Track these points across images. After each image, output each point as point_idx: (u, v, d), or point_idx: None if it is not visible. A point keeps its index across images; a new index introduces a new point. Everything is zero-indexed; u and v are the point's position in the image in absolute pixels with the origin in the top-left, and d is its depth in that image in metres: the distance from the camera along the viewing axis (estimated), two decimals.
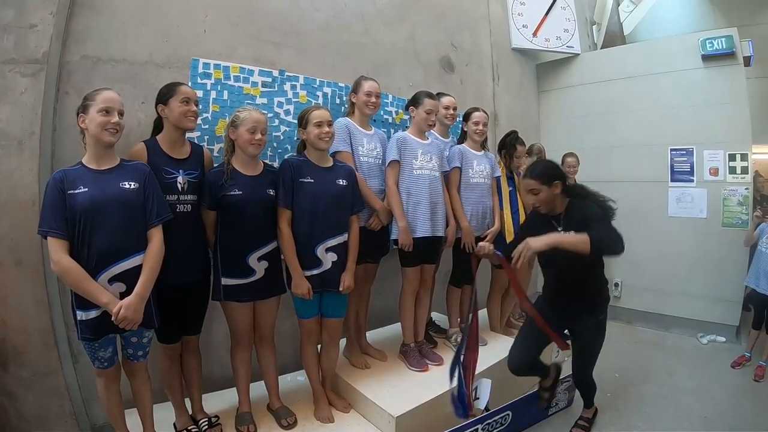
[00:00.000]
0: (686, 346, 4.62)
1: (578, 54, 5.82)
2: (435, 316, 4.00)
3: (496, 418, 3.01)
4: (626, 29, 7.19)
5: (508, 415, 3.09)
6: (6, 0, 2.38)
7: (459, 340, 3.44)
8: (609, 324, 4.96)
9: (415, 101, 3.18)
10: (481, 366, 3.11)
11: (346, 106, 3.23)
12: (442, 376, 2.98)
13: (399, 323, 3.35)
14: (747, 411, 3.37)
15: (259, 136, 2.42)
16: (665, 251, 5.07)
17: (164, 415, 2.51)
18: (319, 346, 2.85)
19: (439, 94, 3.47)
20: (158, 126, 2.44)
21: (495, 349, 3.49)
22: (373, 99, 3.08)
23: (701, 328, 4.82)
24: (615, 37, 6.61)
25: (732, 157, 4.73)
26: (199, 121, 2.55)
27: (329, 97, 3.53)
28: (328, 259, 2.60)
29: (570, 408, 3.54)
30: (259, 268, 2.48)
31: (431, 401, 2.78)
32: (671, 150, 5.07)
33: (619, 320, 5.33)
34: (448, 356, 3.29)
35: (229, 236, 2.46)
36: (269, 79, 3.23)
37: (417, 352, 3.25)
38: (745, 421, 3.22)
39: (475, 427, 2.83)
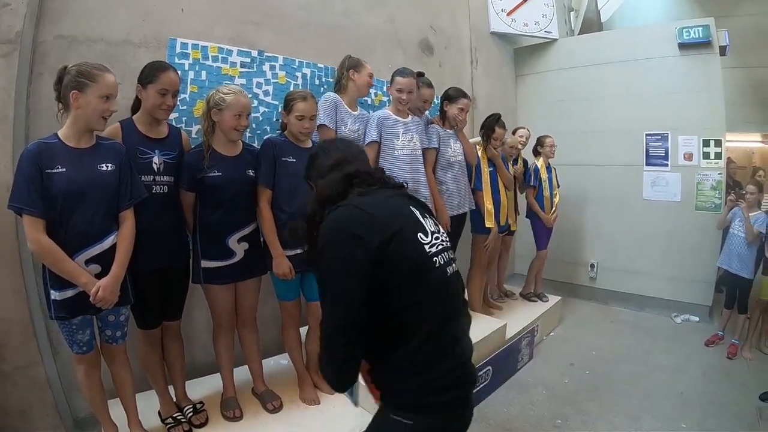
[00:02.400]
0: (661, 325, 4.75)
1: (556, 39, 5.85)
2: None
3: (480, 373, 3.15)
4: (604, 16, 7.27)
5: (489, 370, 3.24)
6: None
7: None
8: (586, 304, 5.28)
9: (392, 80, 3.17)
10: None
11: (340, 82, 3.14)
12: None
13: None
14: (721, 387, 3.48)
15: (244, 122, 2.39)
16: (640, 233, 5.18)
17: (148, 403, 2.47)
18: (302, 329, 2.84)
19: (419, 74, 3.38)
20: (138, 104, 2.35)
21: (476, 328, 3.47)
22: (373, 82, 3.14)
23: (676, 308, 4.95)
24: (592, 24, 6.68)
25: (706, 143, 4.82)
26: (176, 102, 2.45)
27: (308, 78, 3.48)
28: None
29: (533, 361, 3.83)
30: (239, 249, 2.46)
31: None
32: (647, 135, 5.16)
33: (595, 300, 5.44)
34: None
35: (208, 218, 2.43)
36: (248, 60, 3.17)
37: None
38: (719, 397, 3.33)
39: None
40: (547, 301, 4.63)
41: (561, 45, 5.86)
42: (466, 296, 1.47)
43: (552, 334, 4.48)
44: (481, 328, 3.52)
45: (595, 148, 5.47)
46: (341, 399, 2.78)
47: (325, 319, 1.21)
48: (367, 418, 2.52)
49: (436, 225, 1.36)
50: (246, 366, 2.75)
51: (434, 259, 1.26)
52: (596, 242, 5.51)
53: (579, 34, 6.70)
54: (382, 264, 1.17)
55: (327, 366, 1.24)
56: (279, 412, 2.63)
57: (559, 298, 4.80)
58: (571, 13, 6.95)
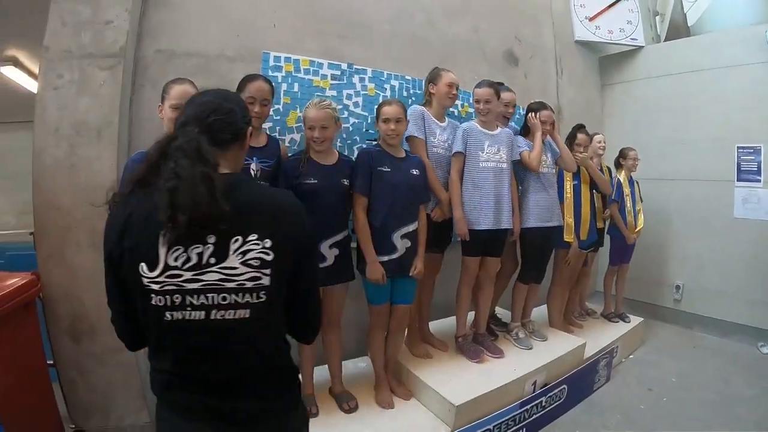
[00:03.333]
0: (746, 354, 4.40)
1: (642, 46, 5.60)
2: (498, 310, 4.00)
3: (555, 391, 3.11)
4: (690, 20, 6.91)
5: (564, 389, 3.19)
6: None
7: (520, 335, 3.49)
8: (669, 327, 5.05)
9: (432, 78, 3.14)
10: (538, 362, 3.18)
11: (425, 96, 3.19)
12: (503, 368, 3.08)
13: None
14: None
15: (316, 134, 2.48)
16: (729, 254, 4.81)
17: None
18: None
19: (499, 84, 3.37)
20: None
21: (554, 346, 3.50)
22: (454, 91, 3.08)
23: (763, 337, 4.56)
24: (679, 29, 6.34)
25: None
26: (270, 112, 2.66)
27: (396, 90, 3.56)
28: (403, 245, 2.67)
29: (610, 383, 3.68)
30: (330, 255, 2.54)
31: (492, 391, 2.81)
32: (738, 148, 4.78)
33: (679, 324, 5.13)
34: (508, 350, 3.35)
35: None
36: (338, 72, 3.30)
37: (471, 344, 3.27)
38: None
39: (539, 400, 2.98)
40: (629, 321, 4.44)
41: (647, 52, 5.60)
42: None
43: (632, 356, 4.28)
44: (559, 346, 3.49)
45: (682, 162, 5.16)
46: (415, 405, 2.86)
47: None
48: (440, 425, 2.63)
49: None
50: (326, 366, 2.84)
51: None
52: (682, 262, 5.19)
53: (665, 39, 6.40)
54: None
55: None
56: (353, 413, 2.69)
57: (641, 319, 4.58)
58: (657, 18, 6.64)
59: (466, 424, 2.61)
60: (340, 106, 3.23)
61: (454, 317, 3.36)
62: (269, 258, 1.09)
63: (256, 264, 1.08)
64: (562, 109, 5.04)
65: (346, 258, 2.64)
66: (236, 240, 1.07)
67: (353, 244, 2.74)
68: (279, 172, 2.52)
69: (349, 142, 3.32)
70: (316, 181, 2.48)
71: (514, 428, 2.83)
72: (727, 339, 4.72)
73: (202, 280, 1.06)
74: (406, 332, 3.23)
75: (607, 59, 5.84)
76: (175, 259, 1.05)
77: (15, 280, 2.31)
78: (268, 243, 1.09)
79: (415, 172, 2.74)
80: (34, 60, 4.25)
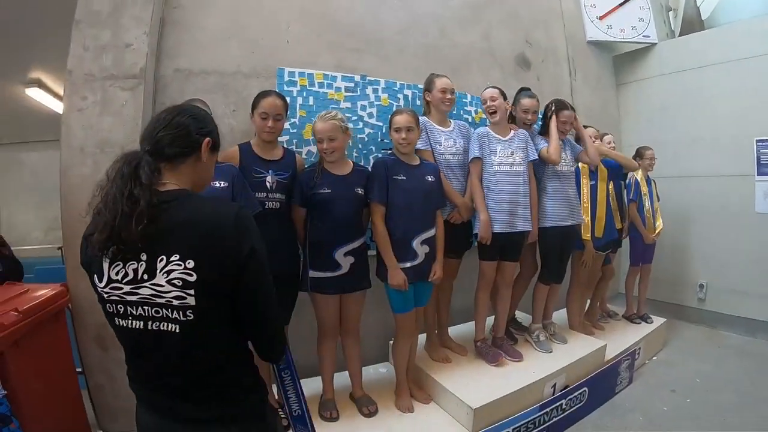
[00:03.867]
0: None
1: (655, 43, 5.54)
2: (518, 314, 4.00)
3: (575, 394, 3.10)
4: (704, 13, 6.81)
5: (585, 391, 3.17)
6: (102, 23, 2.66)
7: (541, 338, 3.49)
8: (693, 327, 4.99)
9: (427, 85, 3.18)
10: (558, 365, 3.18)
11: (423, 105, 3.27)
12: (523, 371, 3.08)
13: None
14: None
15: (324, 145, 2.55)
16: (752, 251, 4.71)
17: None
18: None
19: (523, 91, 3.43)
20: None
21: (574, 348, 3.49)
22: (449, 95, 3.11)
23: None
24: (693, 23, 6.24)
25: None
26: (286, 126, 2.76)
27: (410, 99, 3.62)
28: (422, 251, 2.71)
29: (632, 385, 3.64)
30: (345, 263, 2.59)
31: (510, 395, 2.82)
32: (758, 141, 4.68)
33: (703, 323, 5.04)
34: (527, 353, 3.35)
35: (317, 232, 2.60)
36: (352, 84, 3.38)
37: (489, 347, 3.29)
38: None
39: (559, 403, 2.97)
40: (652, 322, 4.39)
41: (661, 48, 5.54)
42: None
43: (655, 358, 4.22)
44: (579, 348, 3.47)
45: (700, 158, 5.09)
46: (434, 408, 2.90)
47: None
48: (459, 429, 2.66)
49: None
50: (346, 371, 2.90)
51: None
52: (704, 261, 5.09)
53: (680, 35, 6.31)
54: None
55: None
56: (373, 417, 2.74)
57: (664, 320, 4.51)
58: (669, 13, 6.56)
59: (484, 427, 2.63)
60: (355, 117, 3.33)
61: (473, 322, 3.38)
62: (192, 279, 1.09)
63: (179, 284, 1.10)
64: (577, 110, 4.97)
65: (362, 266, 2.68)
66: (161, 259, 1.10)
67: (371, 252, 2.79)
68: (294, 183, 2.60)
69: (365, 152, 3.39)
70: (330, 191, 2.54)
71: (534, 431, 2.83)
72: (753, 338, 4.63)
73: (139, 294, 1.12)
74: (424, 339, 3.29)
75: (621, 58, 5.80)
76: (116, 273, 1.12)
77: (45, 291, 2.41)
78: (190, 264, 1.09)
79: (430, 179, 2.78)
80: (58, 81, 4.42)
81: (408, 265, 2.66)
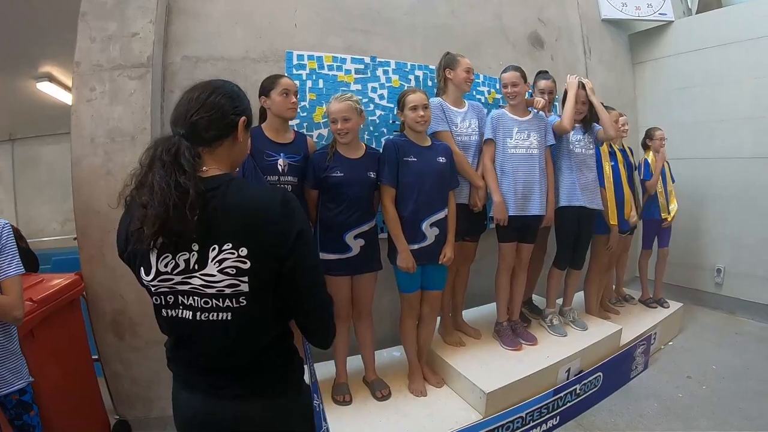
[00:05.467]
0: None
1: (672, 21, 5.37)
2: (535, 297, 3.99)
3: (590, 379, 3.08)
4: None
5: (600, 376, 3.16)
6: (108, 14, 2.67)
7: (555, 322, 3.46)
8: (710, 313, 4.93)
9: (449, 63, 3.09)
10: (572, 349, 3.16)
11: (439, 83, 3.16)
12: (536, 355, 3.07)
13: (495, 303, 3.38)
14: None
15: (339, 125, 2.54)
16: None
17: None
18: None
19: (540, 74, 3.42)
20: (264, 115, 2.62)
21: (589, 333, 3.46)
22: (472, 76, 3.07)
23: None
24: (710, 1, 6.10)
25: None
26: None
27: (421, 80, 3.57)
28: (432, 234, 2.69)
29: (647, 370, 3.62)
30: (355, 245, 2.60)
31: (523, 379, 2.81)
32: None
33: (721, 309, 4.95)
34: (541, 336, 3.34)
35: (328, 214, 2.60)
36: (362, 66, 3.34)
37: (510, 331, 3.27)
38: None
39: (573, 387, 2.96)
40: (668, 307, 4.33)
41: (678, 27, 5.36)
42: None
43: (671, 343, 4.17)
44: (594, 332, 3.44)
45: (718, 139, 4.94)
46: (447, 392, 2.90)
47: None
48: (471, 413, 2.65)
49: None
50: (359, 355, 2.91)
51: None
52: (722, 244, 4.98)
53: (697, 12, 6.14)
54: None
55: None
56: (387, 401, 2.75)
57: (681, 304, 4.44)
58: None
59: (497, 411, 2.62)
60: (366, 100, 3.28)
61: (488, 305, 3.38)
62: (246, 266, 1.09)
63: (232, 272, 1.09)
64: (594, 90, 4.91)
65: (372, 248, 2.68)
66: (213, 248, 1.09)
67: (383, 235, 2.78)
68: (306, 166, 2.59)
69: (376, 134, 3.36)
70: (342, 174, 2.53)
71: (548, 416, 2.82)
72: None
73: (190, 284, 1.11)
74: (438, 320, 3.26)
75: (637, 36, 5.64)
76: (165, 266, 1.11)
77: (59, 281, 2.45)
78: (243, 251, 1.08)
79: (441, 160, 2.74)
80: (67, 74, 4.44)
81: (416, 247, 2.65)
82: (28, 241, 2.88)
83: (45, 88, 4.93)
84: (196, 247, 1.09)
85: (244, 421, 1.21)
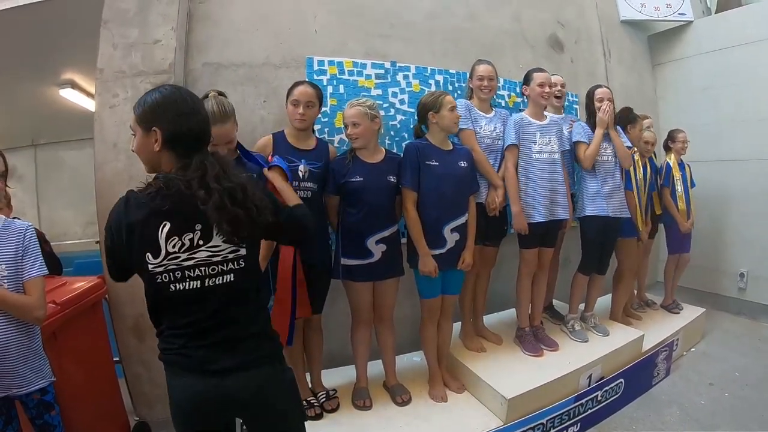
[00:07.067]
0: None
1: (691, 21, 5.31)
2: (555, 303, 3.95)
3: (611, 385, 3.04)
4: None
5: (621, 383, 3.11)
6: (130, 21, 2.71)
7: (576, 327, 3.43)
8: (733, 318, 4.82)
9: (526, 80, 3.16)
10: (594, 355, 3.13)
11: (467, 90, 3.24)
12: (557, 361, 3.04)
13: (515, 308, 3.36)
14: None
15: (349, 131, 2.57)
16: None
17: None
18: None
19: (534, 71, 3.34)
20: None
21: (610, 338, 3.42)
22: (486, 83, 3.06)
23: None
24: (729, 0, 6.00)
25: None
26: (318, 115, 2.74)
27: (441, 84, 3.56)
28: (452, 238, 2.68)
29: (669, 377, 3.54)
30: (377, 250, 2.59)
31: (544, 385, 2.78)
32: None
33: (744, 314, 4.84)
34: (563, 342, 3.31)
35: (349, 219, 2.60)
36: (382, 71, 3.35)
37: (532, 337, 3.24)
38: None
39: (594, 394, 2.91)
40: (681, 310, 4.28)
41: (697, 27, 5.30)
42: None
43: (693, 349, 4.09)
44: (616, 338, 3.40)
45: (742, 140, 4.83)
46: (468, 399, 2.87)
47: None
48: (492, 419, 2.63)
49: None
50: (380, 360, 2.90)
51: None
52: (745, 248, 4.86)
53: (717, 12, 6.03)
54: None
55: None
56: (407, 406, 2.74)
57: (703, 310, 4.34)
58: None
59: (518, 417, 2.60)
60: (386, 104, 3.30)
61: (508, 311, 3.35)
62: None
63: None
64: (613, 92, 4.85)
65: (394, 253, 2.67)
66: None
67: (404, 240, 2.78)
68: (326, 173, 2.60)
69: (397, 139, 3.36)
70: (361, 179, 2.54)
71: (568, 423, 2.79)
72: None
73: (195, 258, 1.37)
74: (460, 327, 3.27)
75: (657, 37, 5.58)
76: (173, 246, 1.35)
77: (82, 283, 2.48)
78: None
79: (462, 164, 2.74)
80: (90, 80, 4.50)
81: (436, 252, 2.63)
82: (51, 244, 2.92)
83: (68, 94, 5.00)
84: (198, 227, 1.36)
85: (245, 391, 1.42)
